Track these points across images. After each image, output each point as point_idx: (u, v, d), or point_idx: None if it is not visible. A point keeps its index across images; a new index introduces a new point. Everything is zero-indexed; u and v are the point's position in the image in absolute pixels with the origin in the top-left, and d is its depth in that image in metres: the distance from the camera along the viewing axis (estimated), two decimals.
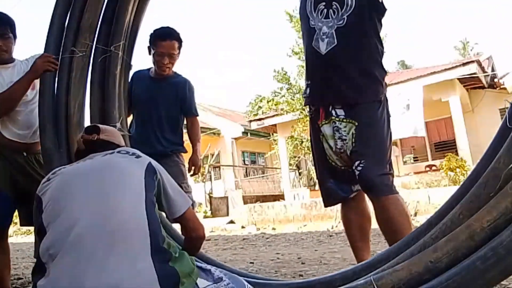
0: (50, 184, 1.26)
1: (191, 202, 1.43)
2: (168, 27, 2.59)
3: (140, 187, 1.19)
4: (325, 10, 2.09)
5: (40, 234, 1.17)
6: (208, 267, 1.25)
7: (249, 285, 1.28)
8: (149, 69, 2.69)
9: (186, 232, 1.38)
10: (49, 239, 1.12)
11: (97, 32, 2.25)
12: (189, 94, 2.64)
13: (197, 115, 2.73)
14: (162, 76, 2.60)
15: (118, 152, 1.33)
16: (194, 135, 2.72)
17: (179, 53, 2.60)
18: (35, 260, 1.20)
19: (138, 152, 1.35)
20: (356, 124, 2.00)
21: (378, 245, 3.81)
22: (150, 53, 2.58)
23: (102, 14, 2.26)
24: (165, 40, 2.51)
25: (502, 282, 1.90)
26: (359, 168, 1.98)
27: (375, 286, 1.27)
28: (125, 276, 1.02)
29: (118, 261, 1.04)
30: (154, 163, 1.32)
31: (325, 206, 2.31)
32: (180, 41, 2.59)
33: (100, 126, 1.48)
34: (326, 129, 2.11)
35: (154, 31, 2.57)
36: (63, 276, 1.04)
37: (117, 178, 1.20)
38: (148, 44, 2.58)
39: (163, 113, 2.58)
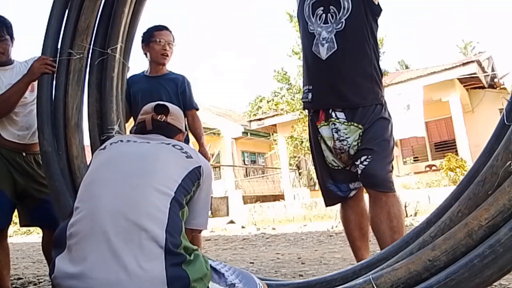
0: (101, 155, 1.29)
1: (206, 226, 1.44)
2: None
3: (172, 186, 1.17)
4: (324, 15, 2.09)
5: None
6: (222, 270, 1.23)
7: (260, 284, 1.26)
8: (143, 72, 2.71)
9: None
10: (75, 217, 1.13)
11: (94, 34, 2.25)
12: (188, 89, 2.65)
13: (198, 109, 2.73)
14: (158, 73, 2.62)
15: (173, 146, 1.31)
16: (197, 129, 2.71)
17: (173, 47, 2.65)
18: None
19: (191, 152, 1.32)
20: (361, 128, 2.01)
21: (377, 244, 3.80)
22: (144, 51, 2.62)
23: (98, 16, 2.26)
24: (162, 30, 2.60)
25: (502, 283, 1.90)
26: (365, 162, 1.98)
27: (374, 285, 1.27)
28: (134, 274, 1.01)
29: (129, 257, 1.03)
30: (206, 169, 1.30)
31: (326, 205, 2.33)
32: (173, 36, 2.65)
33: (170, 107, 1.48)
34: (324, 131, 2.12)
35: (148, 28, 2.63)
36: (77, 260, 1.06)
37: (153, 171, 1.19)
38: (142, 43, 2.61)
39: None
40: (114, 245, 1.04)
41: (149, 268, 1.03)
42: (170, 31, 2.63)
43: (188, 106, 2.66)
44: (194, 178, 1.24)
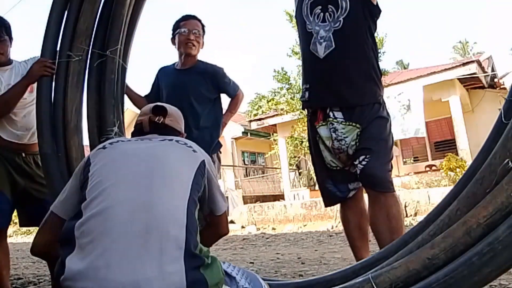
0: (103, 154, 1.25)
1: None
2: None
3: (186, 186, 1.16)
4: (322, 13, 2.09)
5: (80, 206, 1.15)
6: (233, 273, 1.22)
7: (266, 286, 1.26)
8: (173, 64, 2.66)
9: (218, 229, 1.45)
10: (86, 216, 1.09)
11: (93, 37, 2.25)
12: (223, 81, 2.59)
13: (238, 91, 2.67)
14: (187, 65, 2.56)
15: (177, 141, 1.32)
16: (231, 105, 2.69)
17: (203, 36, 2.59)
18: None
19: (195, 146, 1.32)
20: (359, 127, 2.01)
21: (377, 244, 3.80)
22: (173, 45, 2.58)
23: (97, 18, 2.26)
24: (187, 19, 2.55)
25: (502, 283, 1.90)
26: (363, 162, 1.97)
27: (373, 284, 1.27)
28: (152, 277, 0.98)
29: (148, 259, 0.99)
30: (207, 160, 1.31)
31: (325, 206, 2.33)
32: (202, 24, 2.59)
33: (168, 108, 1.47)
34: (322, 131, 2.11)
35: (176, 20, 2.60)
36: (92, 262, 1.01)
37: (167, 171, 1.18)
38: (171, 36, 2.58)
39: (194, 101, 2.51)
40: (132, 245, 1.01)
41: (169, 271, 0.99)
42: (198, 20, 2.57)
43: (231, 94, 2.63)
44: (202, 173, 1.25)
